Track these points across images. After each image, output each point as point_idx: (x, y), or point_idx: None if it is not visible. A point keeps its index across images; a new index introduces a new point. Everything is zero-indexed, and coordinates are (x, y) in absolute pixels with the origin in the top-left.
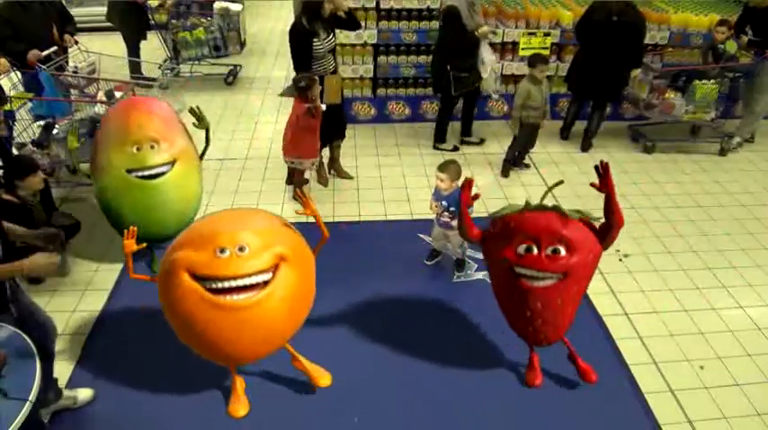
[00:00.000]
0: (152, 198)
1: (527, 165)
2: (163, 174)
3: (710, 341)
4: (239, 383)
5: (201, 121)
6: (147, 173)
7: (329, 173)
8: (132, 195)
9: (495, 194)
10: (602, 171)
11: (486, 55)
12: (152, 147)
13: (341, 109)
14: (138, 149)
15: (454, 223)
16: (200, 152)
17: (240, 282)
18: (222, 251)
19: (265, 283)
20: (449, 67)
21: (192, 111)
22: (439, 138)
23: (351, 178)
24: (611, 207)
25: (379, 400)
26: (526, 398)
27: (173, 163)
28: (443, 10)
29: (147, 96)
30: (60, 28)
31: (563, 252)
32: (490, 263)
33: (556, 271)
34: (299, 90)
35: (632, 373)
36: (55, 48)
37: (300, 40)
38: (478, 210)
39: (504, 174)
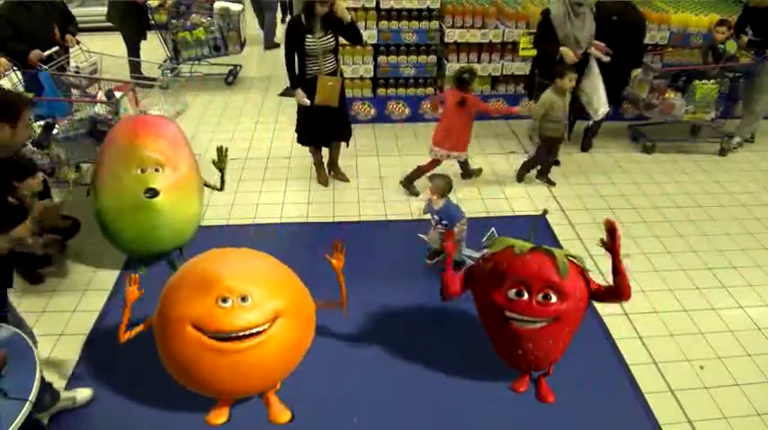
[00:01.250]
0: (154, 219)
1: (552, 183)
2: (158, 196)
3: (710, 341)
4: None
5: (221, 163)
6: (148, 194)
7: (329, 173)
8: (134, 214)
9: (495, 195)
10: (609, 232)
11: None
12: (156, 170)
13: (340, 112)
14: (142, 171)
15: (455, 234)
16: (213, 182)
17: (242, 334)
18: (225, 301)
19: (260, 332)
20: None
21: (219, 150)
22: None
23: (347, 181)
24: (615, 268)
25: (379, 400)
26: (526, 398)
27: (169, 188)
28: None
29: (155, 115)
30: (62, 28)
31: (554, 298)
32: (478, 301)
33: (547, 316)
34: (459, 81)
35: (632, 373)
36: (56, 48)
37: (292, 34)
38: (478, 210)
39: (519, 178)
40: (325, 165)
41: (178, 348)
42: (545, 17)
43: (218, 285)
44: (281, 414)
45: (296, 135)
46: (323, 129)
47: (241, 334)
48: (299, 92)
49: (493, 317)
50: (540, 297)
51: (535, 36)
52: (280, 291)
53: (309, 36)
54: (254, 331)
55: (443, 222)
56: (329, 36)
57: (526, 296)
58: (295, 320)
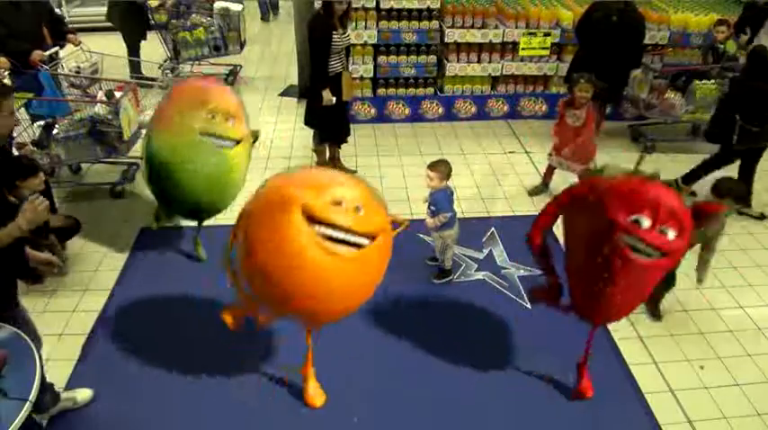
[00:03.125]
0: (215, 166)
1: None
2: (230, 147)
3: (710, 341)
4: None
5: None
6: (218, 141)
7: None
8: (197, 157)
9: (495, 195)
10: None
11: None
12: (226, 119)
13: (346, 109)
14: (213, 117)
15: (429, 221)
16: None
17: (350, 237)
18: (338, 204)
19: (359, 247)
20: (738, 116)
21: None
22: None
23: (354, 172)
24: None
25: (379, 400)
26: (526, 397)
27: (239, 141)
28: (754, 49)
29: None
30: (51, 28)
31: (671, 235)
32: (578, 223)
33: (663, 249)
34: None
35: (632, 373)
36: (57, 48)
37: (322, 32)
38: (478, 209)
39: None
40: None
41: (282, 234)
42: None
43: (334, 189)
44: (317, 396)
45: (306, 136)
46: (340, 125)
47: (349, 237)
48: (327, 93)
49: (597, 243)
50: (659, 228)
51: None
52: (382, 211)
53: (335, 33)
54: (360, 241)
55: (431, 207)
56: (347, 33)
57: (646, 224)
58: (388, 241)
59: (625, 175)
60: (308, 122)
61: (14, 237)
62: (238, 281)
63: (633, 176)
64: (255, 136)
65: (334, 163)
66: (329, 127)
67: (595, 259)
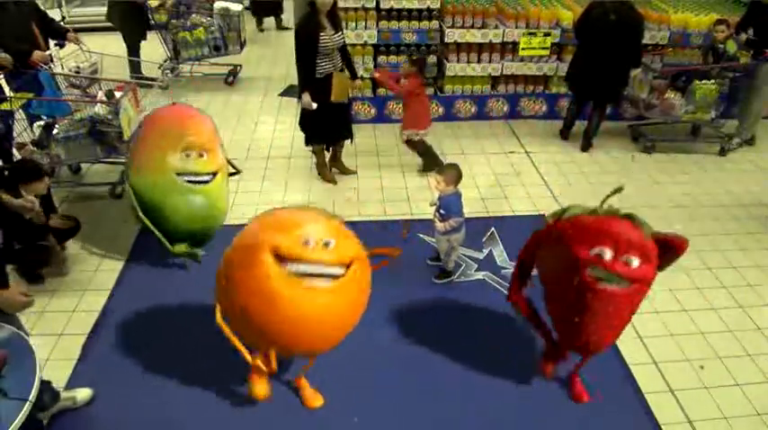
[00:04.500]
0: (194, 202)
1: None
2: (206, 182)
3: (710, 341)
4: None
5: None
6: (194, 179)
7: (330, 170)
8: (177, 197)
9: (495, 195)
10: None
11: None
12: (200, 155)
13: (347, 109)
14: (187, 156)
15: (438, 225)
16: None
17: (323, 270)
18: (307, 243)
19: (336, 278)
20: None
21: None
22: None
23: (354, 172)
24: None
25: (379, 400)
26: (526, 397)
27: (215, 173)
28: None
29: (190, 106)
30: (42, 27)
31: (635, 263)
32: (549, 262)
33: (629, 278)
34: (414, 63)
35: (632, 373)
36: (57, 48)
37: (306, 32)
38: (478, 209)
39: None
40: (328, 165)
41: (258, 279)
42: None
43: (301, 228)
44: (314, 398)
45: (303, 136)
46: (332, 127)
47: (320, 271)
48: (306, 96)
49: (567, 278)
50: (623, 259)
51: None
52: (354, 241)
53: (323, 34)
54: (333, 272)
55: (441, 211)
56: (339, 33)
57: (608, 256)
58: (365, 268)
59: (585, 214)
60: (300, 125)
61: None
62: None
63: (591, 215)
64: (237, 171)
65: (336, 163)
66: (317, 129)
67: (569, 294)
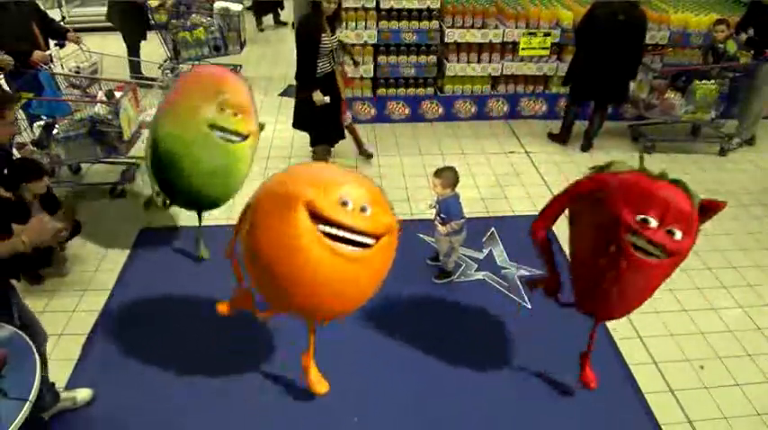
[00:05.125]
0: (220, 160)
1: None
2: (236, 142)
3: (710, 341)
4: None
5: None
6: (225, 135)
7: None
8: (201, 150)
9: (495, 195)
10: None
11: None
12: (235, 114)
13: (339, 109)
14: (222, 110)
15: (441, 229)
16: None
17: (355, 237)
18: (345, 203)
19: (365, 247)
20: None
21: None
22: None
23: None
24: None
25: (379, 400)
26: (526, 397)
27: (247, 136)
28: None
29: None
30: (42, 27)
31: (678, 235)
32: (582, 219)
33: (669, 250)
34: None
35: (632, 373)
36: (56, 48)
37: (307, 32)
38: (478, 209)
39: None
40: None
41: (284, 231)
42: None
43: (340, 189)
44: (320, 383)
45: (307, 137)
46: (337, 125)
47: (354, 237)
48: (318, 94)
49: (601, 238)
50: (667, 229)
51: None
52: (390, 213)
53: (324, 35)
54: (365, 241)
55: (441, 215)
56: (336, 36)
57: (653, 224)
58: (394, 242)
59: (632, 172)
60: (297, 125)
61: (15, 252)
62: (240, 273)
63: (641, 174)
64: (261, 126)
65: (362, 147)
66: (329, 127)
67: (601, 257)
